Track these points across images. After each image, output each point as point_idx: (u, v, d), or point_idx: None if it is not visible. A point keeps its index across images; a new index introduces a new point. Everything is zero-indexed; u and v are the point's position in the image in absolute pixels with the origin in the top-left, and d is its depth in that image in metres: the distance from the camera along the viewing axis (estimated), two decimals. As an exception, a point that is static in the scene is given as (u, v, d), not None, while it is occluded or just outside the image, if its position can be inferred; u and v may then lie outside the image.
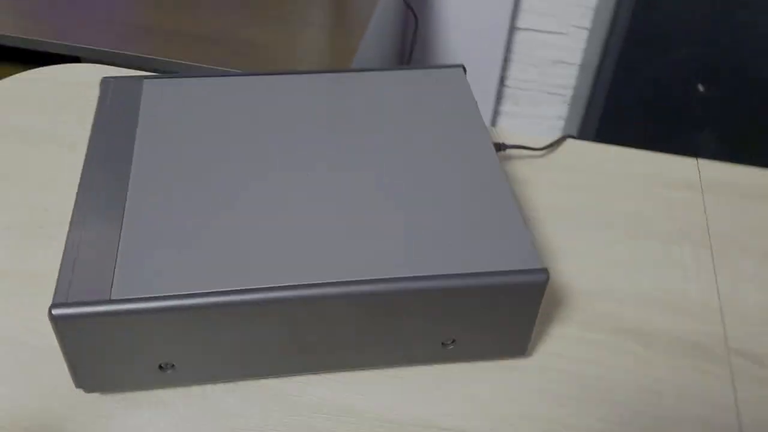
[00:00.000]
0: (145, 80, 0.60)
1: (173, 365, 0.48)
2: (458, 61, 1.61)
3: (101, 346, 0.45)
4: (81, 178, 0.52)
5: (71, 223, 0.49)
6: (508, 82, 1.66)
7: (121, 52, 0.93)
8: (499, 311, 0.49)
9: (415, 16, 1.37)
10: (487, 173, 0.54)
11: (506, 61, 1.61)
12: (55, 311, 0.43)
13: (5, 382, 0.50)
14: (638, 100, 1.46)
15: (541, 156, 0.70)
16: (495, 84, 1.62)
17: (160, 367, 0.48)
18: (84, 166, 0.53)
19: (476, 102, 0.60)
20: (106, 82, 0.60)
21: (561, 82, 1.64)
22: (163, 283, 0.45)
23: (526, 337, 0.51)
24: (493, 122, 1.73)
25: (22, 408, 0.49)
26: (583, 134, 1.54)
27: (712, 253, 0.62)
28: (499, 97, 1.68)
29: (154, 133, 0.55)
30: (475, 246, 0.48)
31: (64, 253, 0.47)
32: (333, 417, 0.49)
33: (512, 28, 1.57)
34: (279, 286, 0.45)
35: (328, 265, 0.46)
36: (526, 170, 0.68)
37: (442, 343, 0.50)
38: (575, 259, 0.61)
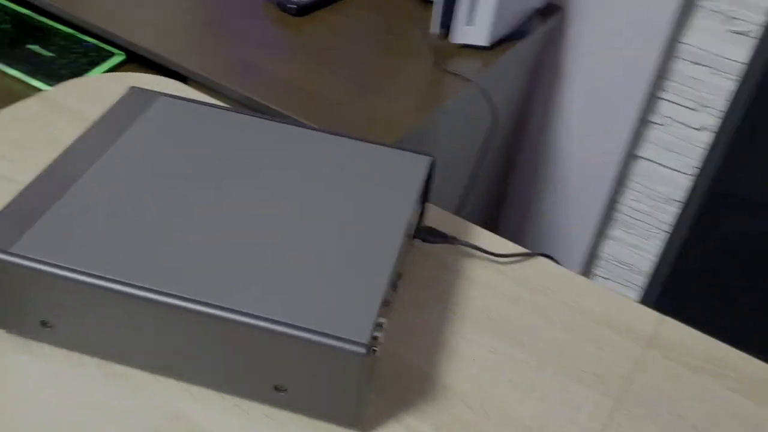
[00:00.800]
0: (162, 96, 0.70)
1: (53, 325, 0.56)
2: (566, 175, 1.61)
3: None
4: (54, 159, 0.62)
5: (24, 186, 0.59)
6: (620, 208, 1.63)
7: (223, 83, 1.06)
8: (322, 373, 0.52)
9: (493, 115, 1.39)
10: (381, 252, 0.57)
11: (621, 186, 1.59)
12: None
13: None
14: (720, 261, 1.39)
15: (502, 264, 0.71)
16: (601, 207, 1.60)
17: (42, 323, 0.56)
18: (63, 150, 0.63)
19: (419, 190, 0.64)
20: (132, 89, 0.71)
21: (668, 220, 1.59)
22: (59, 251, 0.53)
23: (354, 410, 0.53)
24: (596, 245, 1.69)
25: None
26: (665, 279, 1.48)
27: (615, 406, 0.59)
28: (607, 221, 1.65)
29: (136, 141, 0.65)
30: (320, 304, 0.52)
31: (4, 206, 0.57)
32: (166, 419, 0.54)
33: (630, 156, 1.55)
34: (148, 288, 0.51)
35: (195, 282, 0.52)
36: (481, 272, 0.70)
37: (275, 387, 0.54)
38: (468, 365, 0.61)
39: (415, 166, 0.66)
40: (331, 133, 0.69)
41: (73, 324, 0.55)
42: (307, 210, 0.60)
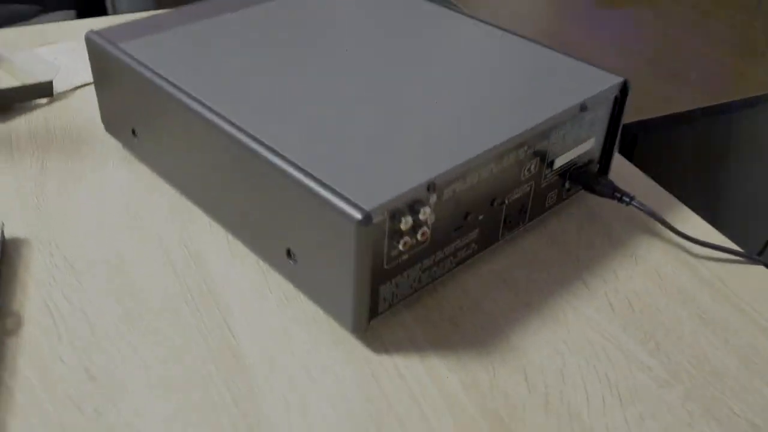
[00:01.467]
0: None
1: (138, 135, 0.54)
2: None
3: (109, 85, 0.54)
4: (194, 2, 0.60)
5: (163, 11, 0.58)
6: None
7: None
8: (325, 241, 0.40)
9: None
10: (470, 145, 0.43)
11: None
12: (88, 34, 0.54)
13: (100, 106, 0.63)
14: None
15: (693, 254, 0.50)
16: None
17: (132, 131, 0.54)
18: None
19: (577, 104, 0.48)
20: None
21: None
22: (158, 61, 0.51)
23: (348, 303, 0.41)
24: None
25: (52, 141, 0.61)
26: None
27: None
28: None
29: (277, 8, 0.60)
30: (358, 168, 0.41)
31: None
32: (184, 249, 0.48)
33: None
34: (214, 110, 0.46)
35: (253, 118, 0.45)
36: (654, 252, 0.50)
37: (288, 252, 0.44)
38: (563, 341, 0.44)
39: (596, 82, 0.50)
40: (513, 33, 0.56)
41: (152, 137, 0.52)
42: (430, 85, 0.49)
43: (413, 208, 0.40)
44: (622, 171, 0.59)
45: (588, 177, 0.51)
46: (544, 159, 0.48)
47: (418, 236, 0.41)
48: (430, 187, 0.40)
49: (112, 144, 0.60)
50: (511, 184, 0.46)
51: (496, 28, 0.57)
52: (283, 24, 0.57)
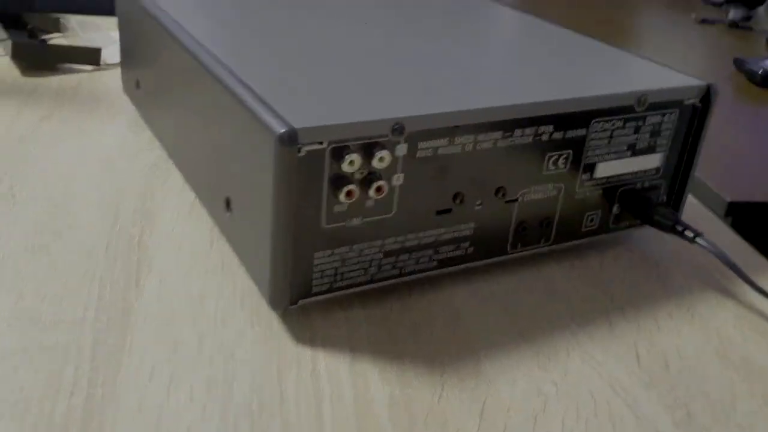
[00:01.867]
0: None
1: (141, 87, 0.49)
2: None
3: (125, 31, 0.50)
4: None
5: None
6: None
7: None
8: (249, 176, 0.32)
9: None
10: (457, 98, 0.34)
11: None
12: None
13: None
14: None
15: (781, 328, 0.36)
16: None
17: (136, 83, 0.49)
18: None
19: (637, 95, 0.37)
20: None
21: None
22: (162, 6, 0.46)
23: (266, 262, 0.31)
24: None
25: (111, 85, 0.57)
26: None
27: None
28: None
29: None
30: (314, 97, 0.33)
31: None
32: (137, 199, 0.41)
33: None
34: (195, 41, 0.40)
35: (232, 52, 0.38)
36: (722, 300, 0.37)
37: (227, 202, 0.35)
38: (551, 381, 0.31)
39: (666, 79, 0.39)
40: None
41: (148, 85, 0.46)
42: (438, 46, 0.40)
43: (368, 149, 0.31)
44: (720, 236, 0.46)
45: (644, 202, 0.40)
46: (580, 157, 0.37)
47: (371, 191, 0.31)
48: (397, 128, 0.31)
49: (129, 109, 0.55)
50: (527, 174, 0.36)
51: (562, 29, 0.48)
52: None
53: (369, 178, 0.31)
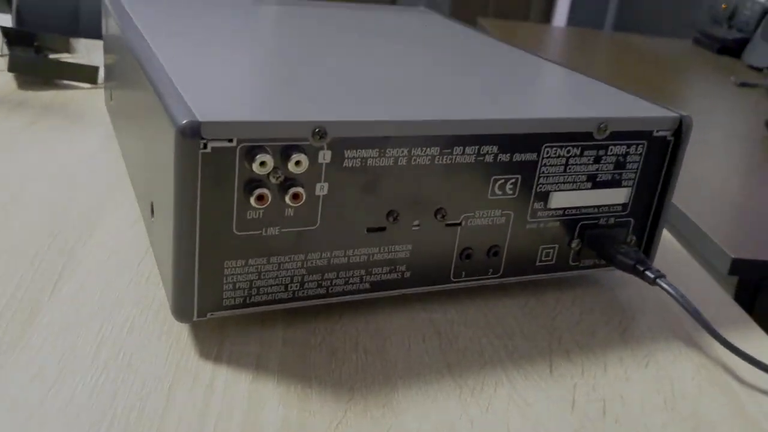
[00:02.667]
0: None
1: (113, 96, 0.48)
2: None
3: (106, 44, 0.50)
4: None
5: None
6: None
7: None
8: (160, 172, 0.30)
9: None
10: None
11: None
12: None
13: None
14: None
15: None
16: None
17: (110, 95, 0.49)
18: None
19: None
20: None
21: None
22: (138, 9, 0.46)
23: (169, 267, 0.29)
24: None
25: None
26: None
27: None
28: None
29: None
30: (235, 96, 0.31)
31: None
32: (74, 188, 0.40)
33: None
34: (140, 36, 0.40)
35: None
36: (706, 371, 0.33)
37: (151, 207, 0.34)
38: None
39: (633, 108, 0.37)
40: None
41: (116, 94, 0.46)
42: (385, 57, 0.38)
43: (285, 152, 0.29)
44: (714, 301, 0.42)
45: (606, 239, 0.37)
46: (532, 184, 0.34)
47: (288, 197, 0.29)
48: (318, 132, 0.29)
49: (108, 124, 0.54)
50: (471, 197, 0.33)
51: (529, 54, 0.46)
52: (283, 17, 0.50)
53: (286, 184, 0.29)
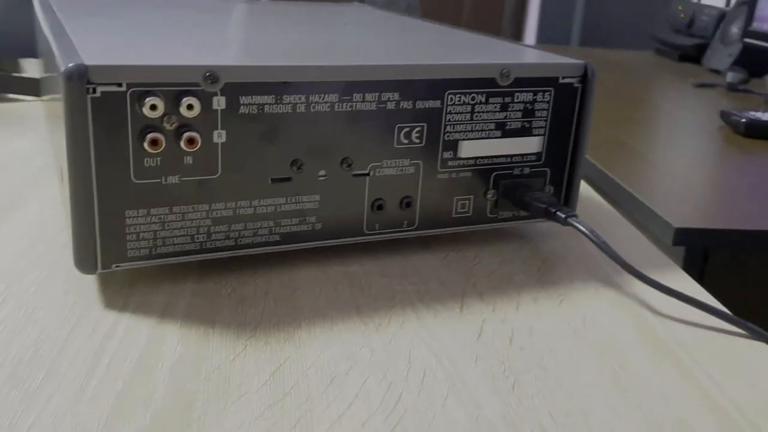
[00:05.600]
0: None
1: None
2: None
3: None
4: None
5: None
6: None
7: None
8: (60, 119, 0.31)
9: None
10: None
11: None
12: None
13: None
14: None
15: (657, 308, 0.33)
16: None
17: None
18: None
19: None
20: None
21: None
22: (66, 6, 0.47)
23: (69, 218, 0.29)
24: None
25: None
26: None
27: None
28: None
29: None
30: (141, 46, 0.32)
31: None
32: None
33: None
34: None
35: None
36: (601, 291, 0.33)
37: (61, 173, 0.34)
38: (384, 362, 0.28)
39: (535, 57, 0.37)
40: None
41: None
42: (289, 26, 0.39)
43: (177, 97, 0.29)
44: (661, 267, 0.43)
45: (521, 188, 0.37)
46: (439, 133, 0.35)
47: (182, 143, 0.30)
48: (209, 76, 0.30)
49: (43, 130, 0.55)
50: (376, 146, 0.34)
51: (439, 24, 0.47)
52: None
53: (181, 130, 0.30)
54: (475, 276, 0.35)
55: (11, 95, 0.64)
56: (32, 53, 0.93)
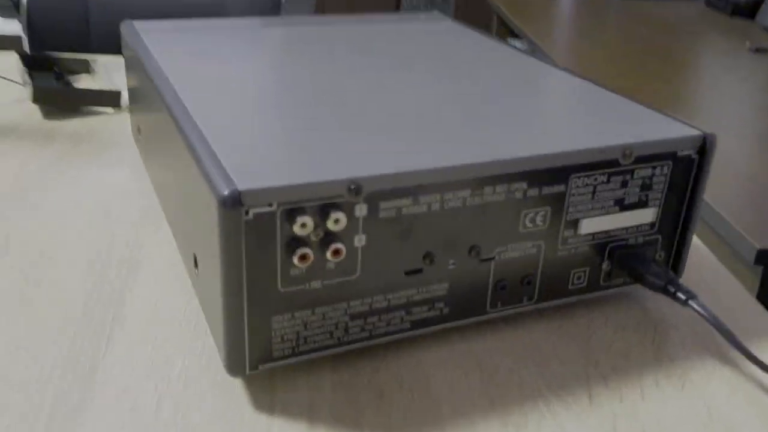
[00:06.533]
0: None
1: (141, 130, 0.49)
2: None
3: (130, 76, 0.51)
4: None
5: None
6: None
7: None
8: (203, 232, 0.31)
9: None
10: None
11: None
12: (124, 22, 0.51)
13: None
14: None
15: (781, 400, 0.33)
16: None
17: (138, 129, 0.50)
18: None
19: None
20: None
21: None
22: (163, 50, 0.47)
23: (219, 327, 0.30)
24: None
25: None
26: None
27: None
28: None
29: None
30: (266, 158, 0.32)
31: None
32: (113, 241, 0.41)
33: None
34: (173, 94, 0.40)
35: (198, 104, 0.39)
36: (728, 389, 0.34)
37: (195, 260, 0.35)
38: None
39: (656, 128, 0.37)
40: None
41: (146, 131, 0.47)
42: (419, 94, 0.39)
43: (323, 211, 0.30)
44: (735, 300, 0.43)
45: (636, 259, 0.38)
46: (561, 214, 0.35)
47: (328, 254, 0.30)
48: (353, 189, 0.30)
49: (135, 154, 0.56)
50: (502, 232, 0.34)
51: (555, 68, 0.46)
52: (309, 41, 0.50)
53: (326, 240, 0.30)
54: (593, 352, 0.36)
55: (91, 107, 0.64)
56: (85, 48, 0.92)
